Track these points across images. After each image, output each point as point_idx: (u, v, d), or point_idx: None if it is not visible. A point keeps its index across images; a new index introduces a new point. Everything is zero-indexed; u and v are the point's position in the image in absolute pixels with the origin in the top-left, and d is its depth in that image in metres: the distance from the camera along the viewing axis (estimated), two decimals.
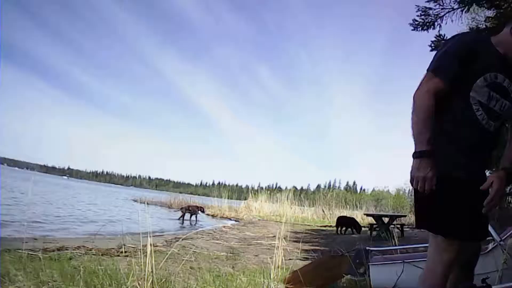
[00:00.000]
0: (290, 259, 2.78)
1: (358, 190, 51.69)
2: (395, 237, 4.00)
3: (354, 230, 8.38)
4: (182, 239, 4.99)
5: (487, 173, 1.27)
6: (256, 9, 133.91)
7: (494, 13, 4.03)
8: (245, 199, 16.95)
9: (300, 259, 2.61)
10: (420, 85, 1.13)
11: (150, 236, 1.70)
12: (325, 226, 10.53)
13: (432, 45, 4.24)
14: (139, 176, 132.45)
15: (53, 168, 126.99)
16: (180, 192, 22.31)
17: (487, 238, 1.77)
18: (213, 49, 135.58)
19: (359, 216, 11.92)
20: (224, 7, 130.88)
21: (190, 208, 9.57)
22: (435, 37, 4.15)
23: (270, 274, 2.05)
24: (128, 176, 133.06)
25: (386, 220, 7.71)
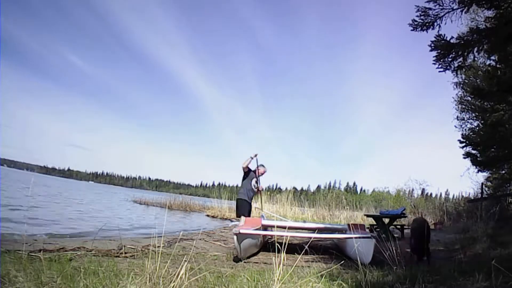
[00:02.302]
0: (290, 259, 2.78)
1: (358, 191, 51.70)
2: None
3: None
4: (182, 240, 4.99)
5: None
6: None
7: (494, 13, 4.03)
8: None
9: (301, 260, 2.62)
10: None
11: (152, 237, 1.69)
12: None
13: (432, 45, 4.24)
14: (139, 177, 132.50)
15: (53, 169, 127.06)
16: (180, 193, 22.25)
17: None
18: None
19: (359, 216, 11.93)
20: None
21: None
22: (435, 37, 4.15)
23: (271, 274, 2.05)
24: (128, 177, 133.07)
25: (386, 221, 7.70)
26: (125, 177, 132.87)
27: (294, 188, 21.46)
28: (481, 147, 6.99)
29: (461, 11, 4.00)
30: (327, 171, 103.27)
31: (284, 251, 1.91)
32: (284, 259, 1.90)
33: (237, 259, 3.71)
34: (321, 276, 2.29)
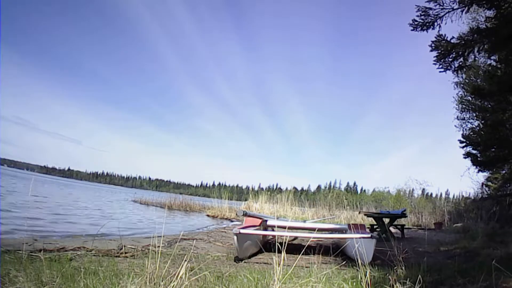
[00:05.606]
0: (290, 259, 2.78)
1: (359, 191, 51.74)
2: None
3: None
4: (183, 240, 4.99)
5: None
6: None
7: (494, 13, 4.03)
8: (246, 200, 16.95)
9: (301, 260, 2.63)
10: None
11: (152, 237, 1.69)
12: None
13: (432, 45, 4.24)
14: (139, 177, 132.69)
15: (53, 169, 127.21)
16: (181, 193, 22.28)
17: None
18: None
19: (359, 216, 11.93)
20: None
21: None
22: (435, 37, 4.15)
23: (271, 274, 2.05)
24: (129, 177, 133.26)
25: (386, 221, 7.70)
26: (125, 177, 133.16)
27: (295, 188, 21.50)
28: (482, 147, 6.98)
29: (462, 11, 3.99)
30: (330, 167, 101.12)
31: (284, 251, 1.91)
32: (284, 259, 1.90)
33: (237, 259, 3.71)
34: (322, 276, 2.28)
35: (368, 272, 2.07)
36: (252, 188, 19.27)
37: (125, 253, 3.42)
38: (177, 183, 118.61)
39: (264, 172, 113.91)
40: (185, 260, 1.77)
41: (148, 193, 25.90)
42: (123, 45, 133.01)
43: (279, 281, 1.84)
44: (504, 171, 8.46)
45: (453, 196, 19.54)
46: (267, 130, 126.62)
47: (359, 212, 10.88)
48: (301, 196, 18.37)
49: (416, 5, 4.12)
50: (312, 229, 5.37)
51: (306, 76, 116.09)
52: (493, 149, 6.72)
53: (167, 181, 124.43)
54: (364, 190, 46.16)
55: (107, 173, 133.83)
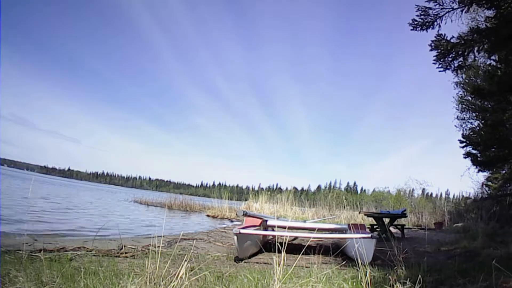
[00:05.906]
0: (290, 259, 2.78)
1: (359, 191, 51.79)
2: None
3: None
4: (183, 240, 4.99)
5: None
6: None
7: (494, 13, 4.02)
8: (246, 200, 16.95)
9: (301, 260, 2.65)
10: None
11: (152, 237, 1.68)
12: None
13: (432, 45, 4.24)
14: (140, 177, 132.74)
15: (53, 169, 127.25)
16: (181, 193, 22.30)
17: None
18: None
19: (359, 216, 11.93)
20: None
21: None
22: (435, 37, 4.15)
23: (271, 274, 2.05)
24: (129, 177, 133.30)
25: (386, 221, 7.70)
26: (125, 177, 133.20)
27: (295, 188, 21.53)
28: (482, 147, 6.98)
29: (461, 10, 3.99)
30: (330, 167, 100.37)
31: (284, 251, 1.91)
32: (284, 259, 1.90)
33: (237, 259, 3.71)
34: (322, 276, 2.28)
35: (368, 272, 2.07)
36: (252, 188, 19.27)
37: (125, 253, 3.42)
38: (177, 183, 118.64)
39: (264, 172, 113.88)
40: (185, 260, 1.77)
41: (148, 193, 25.91)
42: (123, 45, 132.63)
43: (279, 281, 1.84)
44: (504, 171, 8.47)
45: (453, 196, 19.54)
46: (268, 130, 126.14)
47: (359, 212, 10.89)
48: (301, 196, 18.37)
49: (416, 5, 4.12)
50: (312, 229, 5.37)
51: (306, 76, 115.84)
52: (493, 149, 6.72)
53: (167, 181, 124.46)
54: (364, 190, 46.24)
55: (107, 173, 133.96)
